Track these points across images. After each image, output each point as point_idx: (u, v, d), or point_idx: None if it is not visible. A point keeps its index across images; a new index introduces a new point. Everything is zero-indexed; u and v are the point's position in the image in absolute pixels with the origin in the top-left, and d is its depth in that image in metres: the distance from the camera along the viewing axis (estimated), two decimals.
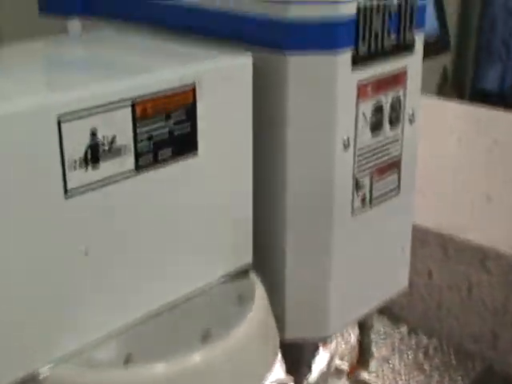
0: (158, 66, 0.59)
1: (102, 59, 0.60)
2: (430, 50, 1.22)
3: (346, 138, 0.67)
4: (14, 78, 0.55)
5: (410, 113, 0.74)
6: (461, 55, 2.18)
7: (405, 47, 0.70)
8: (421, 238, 1.31)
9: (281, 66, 0.64)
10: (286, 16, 0.62)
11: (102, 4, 0.75)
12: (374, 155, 0.71)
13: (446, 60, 2.16)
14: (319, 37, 0.63)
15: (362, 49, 0.65)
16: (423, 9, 0.72)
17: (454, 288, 1.32)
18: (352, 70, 0.65)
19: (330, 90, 0.65)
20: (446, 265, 1.31)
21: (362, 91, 0.67)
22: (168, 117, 0.57)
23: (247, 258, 0.66)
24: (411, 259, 1.31)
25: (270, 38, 0.64)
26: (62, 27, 0.78)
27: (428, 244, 1.32)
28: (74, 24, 0.77)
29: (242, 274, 0.66)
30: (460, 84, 2.20)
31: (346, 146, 0.67)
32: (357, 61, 0.65)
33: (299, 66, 0.64)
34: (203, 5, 0.67)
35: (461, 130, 1.20)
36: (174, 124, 0.57)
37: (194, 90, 0.58)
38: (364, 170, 0.70)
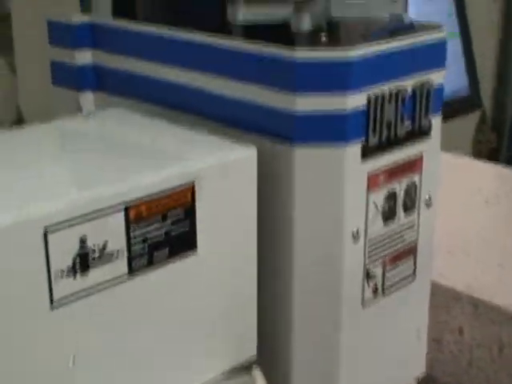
0: (155, 163, 0.57)
1: (101, 153, 0.59)
2: (460, 110, 1.19)
3: (355, 229, 0.64)
4: (6, 176, 0.54)
5: (427, 197, 0.71)
6: (500, 96, 2.14)
7: (420, 133, 0.68)
8: (451, 294, 1.28)
9: (287, 157, 0.62)
10: (294, 108, 0.60)
11: (113, 81, 0.74)
12: (386, 244, 0.68)
13: (486, 101, 2.12)
14: (327, 129, 0.61)
15: (373, 140, 0.63)
16: (440, 92, 0.69)
17: (485, 346, 1.28)
18: (362, 161, 0.63)
19: (337, 182, 0.63)
20: (477, 322, 1.28)
21: (372, 181, 0.65)
22: (165, 217, 0.55)
23: (251, 353, 0.64)
24: (442, 315, 1.28)
25: (276, 129, 0.62)
26: (75, 100, 0.78)
27: (459, 300, 1.29)
28: (87, 98, 0.77)
29: (245, 368, 0.63)
30: (499, 125, 2.16)
31: (355, 238, 0.65)
32: (367, 152, 0.63)
33: (306, 158, 0.62)
34: (210, 90, 0.66)
35: (489, 190, 1.16)
36: (172, 224, 0.55)
37: (193, 188, 0.56)
38: (376, 260, 0.67)
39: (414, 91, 0.66)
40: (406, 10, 0.70)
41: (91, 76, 0.76)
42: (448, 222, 1.13)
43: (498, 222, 1.17)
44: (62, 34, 0.76)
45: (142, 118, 0.67)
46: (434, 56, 0.68)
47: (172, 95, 0.69)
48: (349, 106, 0.60)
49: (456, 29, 1.10)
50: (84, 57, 0.75)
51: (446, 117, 1.03)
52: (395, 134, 0.65)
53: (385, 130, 0.64)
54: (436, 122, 0.70)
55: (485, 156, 2.16)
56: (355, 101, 0.61)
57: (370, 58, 0.61)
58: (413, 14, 0.74)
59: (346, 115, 0.61)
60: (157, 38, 0.69)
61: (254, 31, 0.65)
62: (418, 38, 0.66)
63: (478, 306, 1.27)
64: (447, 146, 1.20)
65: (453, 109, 1.14)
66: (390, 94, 0.64)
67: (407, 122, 0.66)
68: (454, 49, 1.13)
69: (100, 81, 0.76)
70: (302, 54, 0.59)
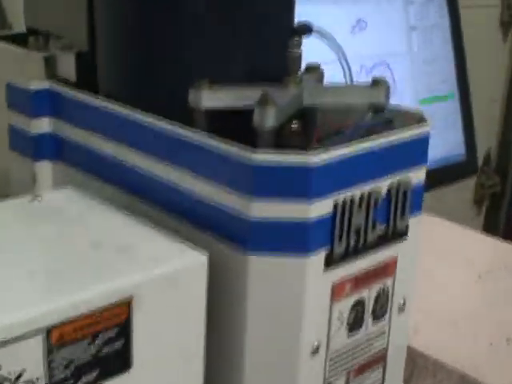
0: (87, 275, 0.51)
1: (30, 259, 0.53)
2: (456, 175, 1.14)
3: (315, 343, 0.59)
4: None
5: (401, 302, 0.66)
6: (505, 137, 2.09)
7: (395, 236, 0.62)
8: (438, 360, 1.22)
9: (240, 263, 0.56)
10: (249, 213, 0.55)
11: (71, 153, 0.69)
12: (351, 355, 0.62)
13: (491, 142, 2.07)
14: (286, 238, 0.55)
15: (339, 248, 0.57)
16: (420, 190, 0.64)
17: None
18: (325, 270, 0.57)
19: (296, 294, 0.57)
20: None
21: (337, 291, 0.59)
22: (95, 337, 0.49)
23: None
24: (427, 379, 1.22)
25: (231, 233, 0.56)
26: (31, 168, 0.72)
27: (445, 366, 1.23)
28: (43, 168, 0.72)
29: None
30: (503, 167, 2.11)
31: (314, 352, 0.59)
32: (331, 261, 0.57)
33: (261, 267, 0.56)
34: (166, 179, 0.60)
35: (483, 264, 1.10)
36: (103, 344, 0.50)
37: (130, 304, 0.51)
38: (338, 373, 0.62)
39: (389, 192, 0.60)
40: (387, 96, 0.64)
41: (49, 145, 0.71)
42: (437, 295, 1.07)
43: (489, 300, 1.11)
44: (19, 100, 0.71)
45: (90, 205, 0.62)
46: (413, 153, 0.62)
47: (127, 179, 0.64)
48: (311, 215, 0.55)
49: (454, 87, 1.05)
50: (41, 125, 0.70)
51: (440, 184, 0.97)
52: (365, 240, 0.59)
53: (353, 237, 0.58)
54: (414, 221, 0.64)
55: (488, 202, 2.10)
56: (319, 209, 0.55)
57: (336, 162, 0.55)
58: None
59: (308, 224, 0.55)
60: (115, 116, 0.64)
61: (217, 118, 0.60)
62: (396, 135, 0.60)
63: (464, 376, 1.21)
64: (441, 213, 1.14)
65: (447, 176, 1.09)
66: (361, 198, 0.58)
67: (380, 226, 0.60)
68: (451, 111, 1.07)
69: (58, 151, 0.71)
70: (261, 156, 0.54)
